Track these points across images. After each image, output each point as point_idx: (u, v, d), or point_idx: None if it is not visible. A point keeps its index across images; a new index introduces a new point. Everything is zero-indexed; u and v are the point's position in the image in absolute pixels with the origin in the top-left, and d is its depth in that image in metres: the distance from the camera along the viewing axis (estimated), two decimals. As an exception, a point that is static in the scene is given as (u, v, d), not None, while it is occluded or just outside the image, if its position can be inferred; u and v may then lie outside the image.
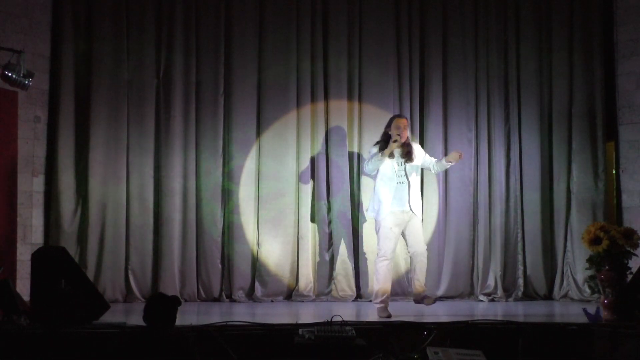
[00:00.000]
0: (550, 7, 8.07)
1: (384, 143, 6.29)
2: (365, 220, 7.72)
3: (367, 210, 6.81)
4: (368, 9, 7.97)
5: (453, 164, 6.39)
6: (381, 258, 6.23)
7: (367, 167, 6.39)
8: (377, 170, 6.30)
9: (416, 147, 6.41)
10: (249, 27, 7.79)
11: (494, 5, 8.10)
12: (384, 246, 6.22)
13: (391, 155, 6.22)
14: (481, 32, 8.05)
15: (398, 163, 6.24)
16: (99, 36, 7.50)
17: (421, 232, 6.34)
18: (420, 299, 6.23)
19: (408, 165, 6.25)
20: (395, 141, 6.16)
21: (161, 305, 4.19)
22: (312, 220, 7.76)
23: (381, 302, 6.17)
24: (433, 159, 6.46)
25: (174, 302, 4.23)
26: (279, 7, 7.87)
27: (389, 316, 6.04)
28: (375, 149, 6.35)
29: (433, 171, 6.64)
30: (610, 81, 7.89)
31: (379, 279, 6.24)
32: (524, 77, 8.03)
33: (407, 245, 6.39)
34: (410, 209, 6.20)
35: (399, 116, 6.50)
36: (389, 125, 6.34)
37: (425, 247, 6.34)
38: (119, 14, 7.55)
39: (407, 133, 6.33)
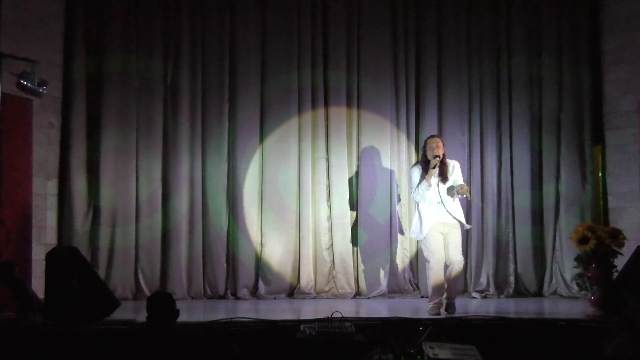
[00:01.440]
0: (540, 17, 8.08)
1: (424, 164, 6.22)
2: (366, 221, 7.78)
3: (409, 232, 6.75)
4: (366, 21, 7.99)
5: (460, 196, 6.17)
6: (429, 265, 6.20)
7: (416, 197, 6.26)
8: None
9: (452, 165, 6.23)
10: (252, 37, 7.81)
11: (487, 16, 8.12)
12: (430, 255, 6.18)
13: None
14: (474, 42, 8.07)
15: (436, 183, 6.16)
16: (110, 46, 7.53)
17: (459, 244, 6.20)
18: (447, 306, 6.12)
19: (445, 183, 6.15)
20: (434, 167, 6.09)
21: (160, 303, 4.20)
22: (313, 221, 7.77)
23: (434, 303, 6.11)
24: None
25: (170, 298, 4.24)
26: (280, 19, 7.89)
27: (437, 314, 6.01)
28: (416, 171, 6.27)
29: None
30: (597, 88, 7.90)
31: (430, 284, 6.20)
32: (515, 84, 8.04)
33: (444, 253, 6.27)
34: (449, 220, 6.15)
35: (431, 136, 6.38)
36: (424, 147, 6.32)
37: (462, 257, 6.21)
38: (129, 26, 7.59)
39: (442, 150, 6.19)
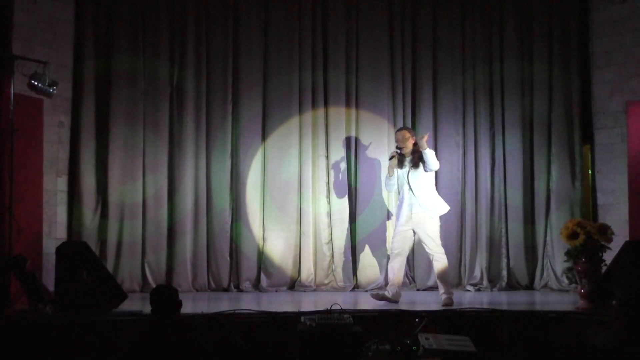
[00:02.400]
0: (531, 21, 8.05)
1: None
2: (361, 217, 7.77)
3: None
4: (364, 25, 7.97)
5: (425, 149, 6.09)
6: (391, 254, 6.36)
7: (385, 187, 6.45)
8: None
9: (425, 153, 6.13)
10: (254, 40, 7.79)
11: (480, 20, 8.09)
12: (393, 244, 6.30)
13: (402, 166, 6.22)
14: (468, 45, 8.05)
15: (408, 171, 6.20)
16: (118, 48, 7.50)
17: (432, 234, 6.16)
18: (444, 302, 6.08)
19: (416, 171, 6.17)
20: (390, 158, 6.25)
21: (163, 296, 4.18)
22: (313, 217, 7.75)
23: (388, 289, 6.23)
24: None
25: (172, 291, 4.23)
26: (282, 23, 7.87)
27: (378, 298, 6.16)
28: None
29: (427, 170, 6.22)
30: (586, 89, 7.88)
31: (389, 271, 6.34)
32: (507, 85, 8.02)
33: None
34: (419, 211, 6.15)
35: (397, 130, 6.47)
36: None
37: (440, 249, 6.17)
38: (136, 29, 7.57)
39: (410, 142, 6.22)
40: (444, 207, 6.29)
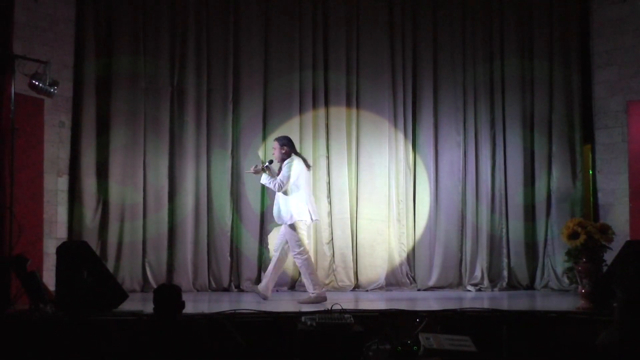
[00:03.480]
0: (532, 21, 8.05)
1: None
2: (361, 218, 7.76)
3: None
4: (364, 25, 7.96)
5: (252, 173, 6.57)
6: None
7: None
8: None
9: (285, 165, 6.45)
10: (255, 40, 7.79)
11: (480, 20, 8.08)
12: None
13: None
14: (468, 45, 8.03)
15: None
16: (119, 48, 7.51)
17: (288, 238, 6.44)
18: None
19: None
20: (256, 172, 6.57)
21: (167, 295, 4.17)
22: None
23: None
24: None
25: (176, 290, 4.22)
26: (282, 23, 7.86)
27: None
28: None
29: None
30: (586, 89, 7.87)
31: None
32: (508, 85, 8.01)
33: None
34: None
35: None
36: None
37: (298, 254, 6.40)
38: (137, 29, 7.57)
39: (277, 152, 6.53)
40: (288, 218, 6.44)
